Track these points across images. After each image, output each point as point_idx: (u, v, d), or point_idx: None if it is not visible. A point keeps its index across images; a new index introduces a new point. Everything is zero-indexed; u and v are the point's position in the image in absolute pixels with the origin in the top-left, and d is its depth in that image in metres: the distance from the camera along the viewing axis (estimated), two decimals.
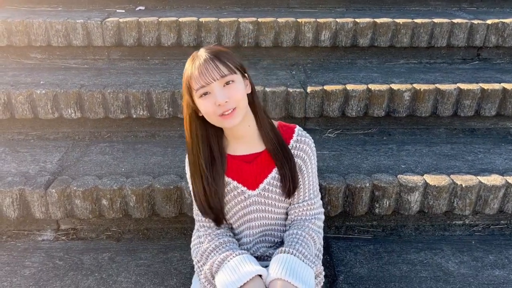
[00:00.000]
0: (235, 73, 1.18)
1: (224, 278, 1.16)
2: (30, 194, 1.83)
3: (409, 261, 1.78)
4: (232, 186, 1.29)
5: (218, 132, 1.28)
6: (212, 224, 1.33)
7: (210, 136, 1.26)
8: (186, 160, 1.33)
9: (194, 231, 1.43)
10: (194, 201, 1.33)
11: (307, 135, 1.34)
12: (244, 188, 1.29)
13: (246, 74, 1.24)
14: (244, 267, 1.16)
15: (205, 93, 1.16)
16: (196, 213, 1.36)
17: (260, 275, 1.17)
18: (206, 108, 1.17)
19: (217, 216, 1.30)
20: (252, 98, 1.26)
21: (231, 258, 1.20)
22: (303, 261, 1.20)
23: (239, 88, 1.18)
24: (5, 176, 1.90)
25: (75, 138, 2.32)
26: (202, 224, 1.35)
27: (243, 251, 1.24)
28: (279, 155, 1.27)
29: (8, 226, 1.93)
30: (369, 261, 1.78)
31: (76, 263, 1.75)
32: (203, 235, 1.34)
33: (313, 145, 1.34)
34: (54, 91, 2.22)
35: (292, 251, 1.21)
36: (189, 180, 1.33)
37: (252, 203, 1.31)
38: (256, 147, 1.30)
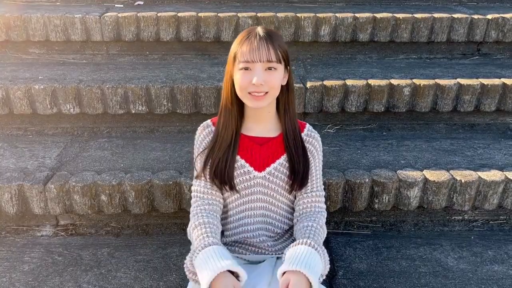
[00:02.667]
0: (280, 62, 1.23)
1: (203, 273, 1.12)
2: (29, 190, 1.82)
3: (408, 257, 1.78)
4: (239, 164, 1.32)
5: (240, 110, 1.32)
6: (206, 195, 1.33)
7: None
8: (203, 127, 1.37)
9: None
10: (199, 170, 1.33)
11: (316, 132, 1.41)
12: (251, 169, 1.33)
13: (288, 67, 1.29)
14: (214, 263, 1.12)
15: (246, 68, 1.22)
16: (196, 183, 1.35)
17: (233, 272, 1.13)
18: (241, 81, 1.22)
19: (229, 181, 1.31)
20: (287, 90, 1.31)
21: (199, 251, 1.17)
22: (319, 254, 1.17)
23: (278, 77, 1.24)
24: (4, 172, 1.89)
25: (74, 133, 2.32)
26: (196, 195, 1.34)
27: (215, 240, 1.20)
28: (292, 143, 1.32)
29: (7, 222, 1.93)
30: (368, 257, 1.78)
31: (75, 259, 1.75)
32: (193, 210, 1.32)
33: (320, 142, 1.41)
34: (53, 86, 2.21)
35: (314, 244, 1.17)
36: (197, 149, 1.36)
37: (256, 185, 1.34)
38: (271, 132, 1.35)
